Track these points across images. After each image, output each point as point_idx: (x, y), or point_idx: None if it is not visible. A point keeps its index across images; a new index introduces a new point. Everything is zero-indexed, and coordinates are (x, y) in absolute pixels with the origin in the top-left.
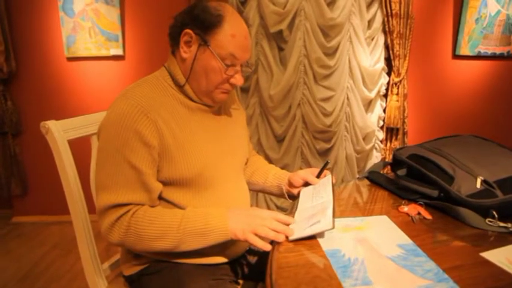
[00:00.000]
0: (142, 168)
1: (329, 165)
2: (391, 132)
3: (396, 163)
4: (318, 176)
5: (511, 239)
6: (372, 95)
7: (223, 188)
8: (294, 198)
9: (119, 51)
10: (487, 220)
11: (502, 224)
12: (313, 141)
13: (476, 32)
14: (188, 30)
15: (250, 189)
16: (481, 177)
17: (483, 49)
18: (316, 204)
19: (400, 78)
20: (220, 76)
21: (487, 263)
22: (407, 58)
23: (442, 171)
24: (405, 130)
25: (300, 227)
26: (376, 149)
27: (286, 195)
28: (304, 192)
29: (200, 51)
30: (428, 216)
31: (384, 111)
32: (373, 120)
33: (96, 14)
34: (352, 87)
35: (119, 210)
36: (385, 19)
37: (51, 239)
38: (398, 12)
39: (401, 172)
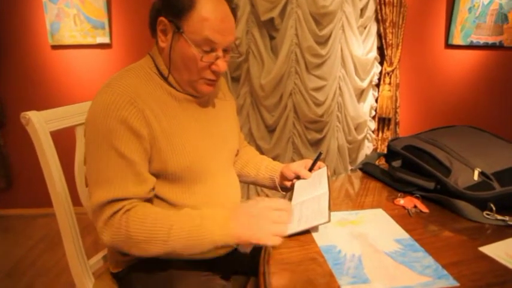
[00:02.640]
0: (134, 158)
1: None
2: (383, 122)
3: (391, 154)
4: (311, 169)
5: (509, 232)
6: (364, 84)
7: (214, 181)
8: (288, 190)
9: (105, 40)
10: (484, 213)
11: (499, 217)
12: (304, 131)
13: (469, 21)
14: (162, 18)
15: (241, 181)
16: (478, 169)
17: (475, 38)
18: (311, 198)
19: (393, 67)
20: (198, 64)
21: (487, 257)
22: (400, 47)
23: (439, 163)
24: (397, 120)
25: (294, 221)
26: (368, 139)
27: (279, 188)
28: (299, 185)
29: (175, 39)
30: (425, 209)
31: (376, 101)
32: (365, 110)
33: (81, 0)
34: (344, 76)
35: (113, 207)
36: (378, 7)
37: (37, 232)
38: (391, 0)
39: (397, 163)
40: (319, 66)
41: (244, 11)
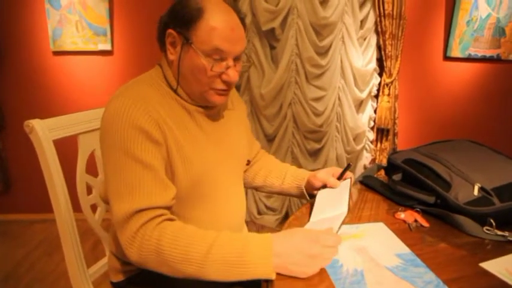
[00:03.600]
0: (155, 164)
1: (319, 166)
2: (381, 133)
3: (391, 167)
4: (339, 178)
5: (509, 247)
6: (363, 95)
7: (222, 194)
8: (314, 197)
9: (107, 46)
10: (484, 228)
11: (499, 233)
12: (303, 141)
13: (467, 34)
14: (171, 31)
15: (265, 192)
16: (478, 185)
17: (473, 51)
18: (330, 217)
19: (392, 79)
20: (207, 74)
21: (487, 274)
22: (399, 59)
23: (439, 177)
24: (396, 131)
25: None
26: (366, 149)
27: (307, 196)
28: (322, 197)
29: (184, 50)
30: (426, 224)
31: (375, 111)
32: (364, 120)
33: (83, 6)
34: (344, 87)
35: (140, 218)
36: (378, 19)
37: (34, 237)
38: (391, 12)
39: (397, 177)
40: (319, 76)
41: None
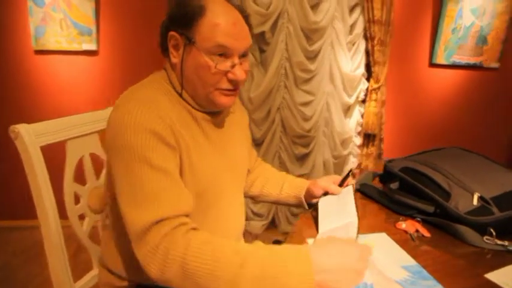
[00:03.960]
0: (172, 169)
1: (306, 171)
2: (368, 138)
3: (387, 175)
4: (341, 185)
5: (509, 257)
6: (351, 100)
7: (225, 205)
8: (313, 205)
9: (92, 46)
10: (484, 238)
11: (499, 242)
12: (291, 146)
13: (452, 42)
14: (172, 33)
15: (262, 201)
16: (477, 194)
17: (457, 58)
18: (340, 227)
19: (379, 84)
20: (212, 72)
21: (494, 285)
22: (386, 65)
23: (438, 187)
24: (382, 136)
25: None
26: (353, 154)
27: (306, 205)
28: (324, 204)
29: (186, 51)
30: (427, 234)
31: (362, 116)
32: (351, 125)
33: (68, 5)
34: (333, 92)
35: (161, 228)
36: (367, 25)
37: (15, 244)
38: (380, 19)
39: (394, 185)
40: (307, 81)
41: None
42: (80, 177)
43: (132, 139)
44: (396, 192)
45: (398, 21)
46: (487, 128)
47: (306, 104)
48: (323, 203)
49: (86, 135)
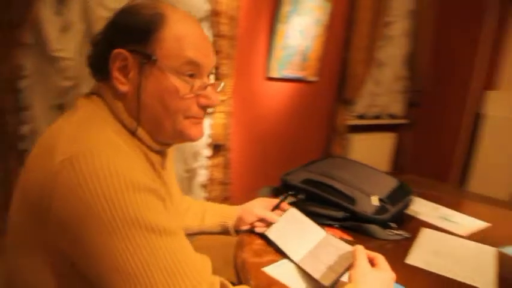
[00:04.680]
0: (179, 230)
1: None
2: (216, 148)
3: (286, 189)
4: (274, 209)
5: (405, 243)
6: None
7: None
8: (241, 232)
9: None
10: (387, 231)
11: (397, 232)
12: None
13: (282, 58)
14: (119, 50)
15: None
16: (376, 196)
17: (287, 72)
18: (317, 244)
19: (227, 97)
20: (182, 97)
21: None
22: (232, 78)
23: (341, 194)
24: (228, 146)
25: (323, 270)
26: (203, 166)
27: (234, 232)
28: (276, 234)
29: (145, 74)
30: (350, 237)
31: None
32: None
33: None
34: None
35: None
36: (214, 40)
37: None
38: (226, 34)
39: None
40: None
41: None
42: None
43: (125, 204)
44: (309, 204)
45: (240, 36)
46: (308, 130)
47: None
48: (273, 234)
49: None
